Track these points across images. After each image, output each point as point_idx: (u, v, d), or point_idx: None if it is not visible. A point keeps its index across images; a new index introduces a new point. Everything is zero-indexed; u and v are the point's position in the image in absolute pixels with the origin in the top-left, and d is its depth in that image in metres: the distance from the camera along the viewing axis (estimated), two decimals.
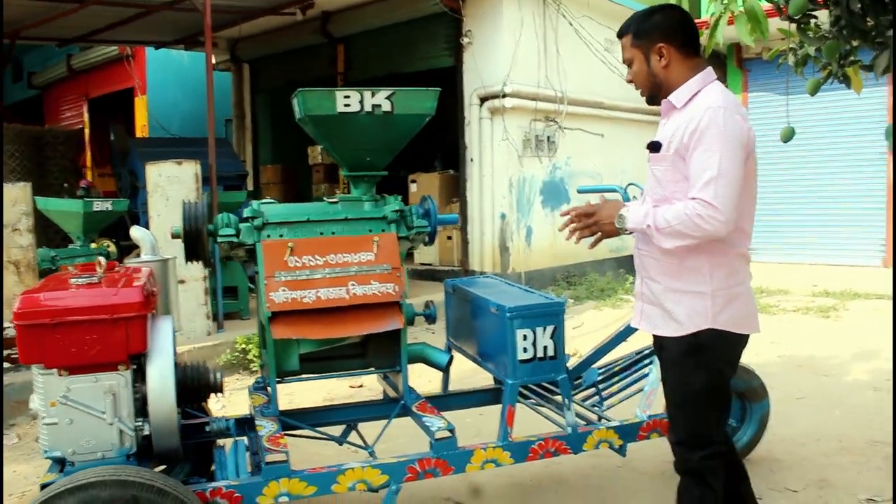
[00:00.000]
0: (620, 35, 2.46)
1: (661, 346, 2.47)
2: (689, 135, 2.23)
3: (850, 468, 3.85)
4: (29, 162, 8.96)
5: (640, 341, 3.94)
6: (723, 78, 11.11)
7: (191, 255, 3.14)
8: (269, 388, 3.18)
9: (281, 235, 3.16)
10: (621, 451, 3.23)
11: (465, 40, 8.67)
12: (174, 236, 3.15)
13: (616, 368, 3.71)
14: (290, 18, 9.75)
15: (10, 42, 8.89)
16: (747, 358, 6.51)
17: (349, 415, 3.44)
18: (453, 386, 3.80)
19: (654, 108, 8.34)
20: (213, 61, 11.78)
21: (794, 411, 4.74)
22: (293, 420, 3.25)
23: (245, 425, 3.31)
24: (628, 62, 2.44)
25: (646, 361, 3.64)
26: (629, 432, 3.20)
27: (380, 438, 3.29)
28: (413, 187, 9.71)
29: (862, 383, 5.37)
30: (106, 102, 13.10)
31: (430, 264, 9.55)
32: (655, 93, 2.43)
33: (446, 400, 3.59)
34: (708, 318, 2.31)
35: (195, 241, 3.10)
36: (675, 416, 2.45)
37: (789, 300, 8.64)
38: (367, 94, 3.06)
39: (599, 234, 2.39)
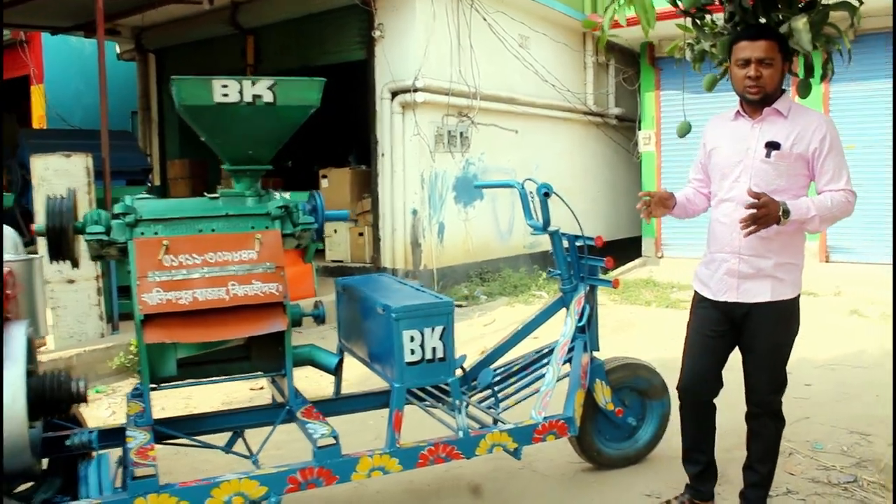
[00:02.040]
0: (763, 37, 2.80)
1: (755, 312, 2.91)
2: (821, 141, 2.79)
3: None
4: None
5: (541, 340, 3.91)
6: (635, 76, 11.28)
7: (56, 253, 2.91)
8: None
9: (156, 233, 2.96)
10: (516, 454, 3.16)
11: (377, 33, 8.51)
12: (37, 234, 2.92)
13: (515, 368, 3.65)
14: (199, 8, 9.37)
15: None
16: (662, 353, 6.47)
17: (234, 421, 3.26)
18: (354, 388, 3.67)
19: (566, 105, 8.50)
20: (118, 50, 11.28)
21: None
22: (169, 429, 3.04)
23: (119, 436, 3.09)
24: (769, 62, 2.79)
25: (544, 361, 3.58)
26: (524, 435, 3.13)
27: (265, 446, 3.12)
28: (324, 182, 9.50)
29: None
30: None
31: (341, 261, 9.36)
32: (771, 95, 2.84)
33: (339, 403, 3.45)
34: (800, 285, 2.95)
35: (60, 239, 2.88)
36: (769, 367, 2.96)
37: None
38: (248, 83, 2.88)
39: (759, 226, 2.71)
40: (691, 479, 3.29)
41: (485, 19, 9.10)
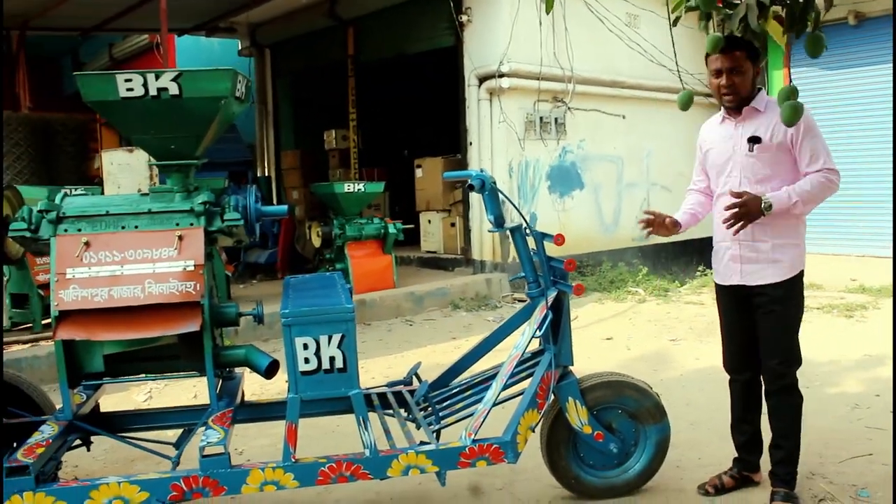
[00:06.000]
0: (732, 48, 2.99)
1: (758, 293, 3.12)
2: (795, 127, 2.92)
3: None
4: (34, 150, 9.19)
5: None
6: (763, 53, 10.20)
7: None
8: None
9: (79, 230, 2.97)
10: (440, 478, 2.86)
11: (464, 18, 8.26)
12: None
13: (475, 382, 3.32)
14: (298, 1, 9.57)
15: (19, 32, 9.15)
16: (712, 361, 5.78)
17: (162, 420, 3.22)
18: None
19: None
20: (240, 47, 11.82)
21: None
22: (89, 425, 3.04)
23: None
24: (739, 70, 3.00)
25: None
26: (446, 458, 2.81)
27: (185, 448, 3.04)
28: (418, 172, 9.42)
29: (816, 400, 4.63)
30: None
31: (435, 252, 9.25)
32: (746, 99, 3.06)
33: (275, 408, 3.30)
34: (801, 262, 3.13)
35: None
36: (778, 343, 3.12)
37: (817, 297, 7.80)
38: (151, 76, 2.80)
39: (745, 222, 2.96)
40: (738, 450, 3.40)
41: None
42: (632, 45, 9.12)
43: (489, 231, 3.25)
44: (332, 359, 2.68)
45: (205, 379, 3.03)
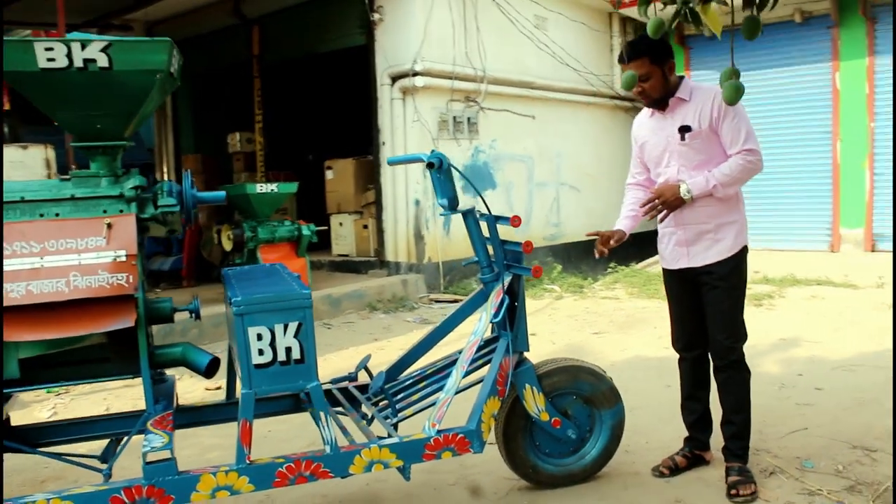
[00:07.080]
0: (632, 58, 3.06)
1: (705, 272, 3.20)
2: (717, 110, 3.05)
3: (714, 486, 3.30)
4: None
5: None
6: None
7: None
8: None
9: None
10: (404, 473, 2.71)
11: (376, 16, 8.13)
12: None
13: (429, 372, 3.19)
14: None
15: None
16: (665, 352, 5.86)
17: (94, 430, 2.92)
18: None
19: (590, 89, 8.25)
20: None
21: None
22: (10, 440, 2.71)
23: None
24: (645, 77, 3.07)
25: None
26: (410, 451, 2.67)
27: (119, 456, 2.77)
28: (329, 174, 9.18)
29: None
30: None
31: (347, 255, 9.03)
32: (665, 96, 3.14)
33: (221, 410, 3.05)
34: (743, 238, 3.21)
35: None
36: (725, 319, 3.18)
37: None
38: (76, 45, 2.52)
39: (667, 210, 3.11)
40: (689, 429, 3.45)
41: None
42: (541, 46, 9.24)
43: (440, 215, 3.15)
44: (288, 349, 2.48)
45: (118, 391, 2.78)
